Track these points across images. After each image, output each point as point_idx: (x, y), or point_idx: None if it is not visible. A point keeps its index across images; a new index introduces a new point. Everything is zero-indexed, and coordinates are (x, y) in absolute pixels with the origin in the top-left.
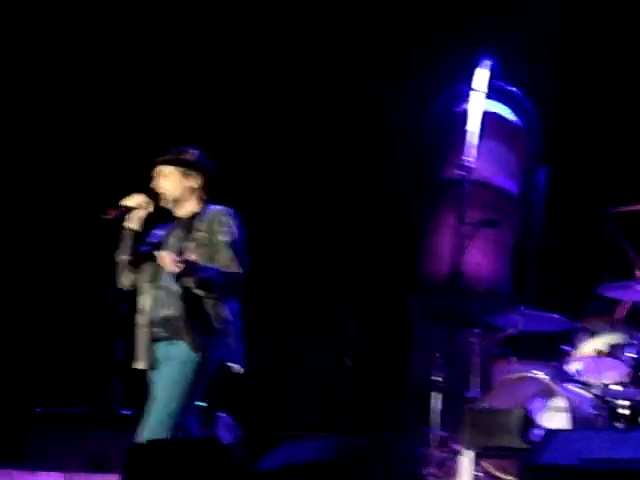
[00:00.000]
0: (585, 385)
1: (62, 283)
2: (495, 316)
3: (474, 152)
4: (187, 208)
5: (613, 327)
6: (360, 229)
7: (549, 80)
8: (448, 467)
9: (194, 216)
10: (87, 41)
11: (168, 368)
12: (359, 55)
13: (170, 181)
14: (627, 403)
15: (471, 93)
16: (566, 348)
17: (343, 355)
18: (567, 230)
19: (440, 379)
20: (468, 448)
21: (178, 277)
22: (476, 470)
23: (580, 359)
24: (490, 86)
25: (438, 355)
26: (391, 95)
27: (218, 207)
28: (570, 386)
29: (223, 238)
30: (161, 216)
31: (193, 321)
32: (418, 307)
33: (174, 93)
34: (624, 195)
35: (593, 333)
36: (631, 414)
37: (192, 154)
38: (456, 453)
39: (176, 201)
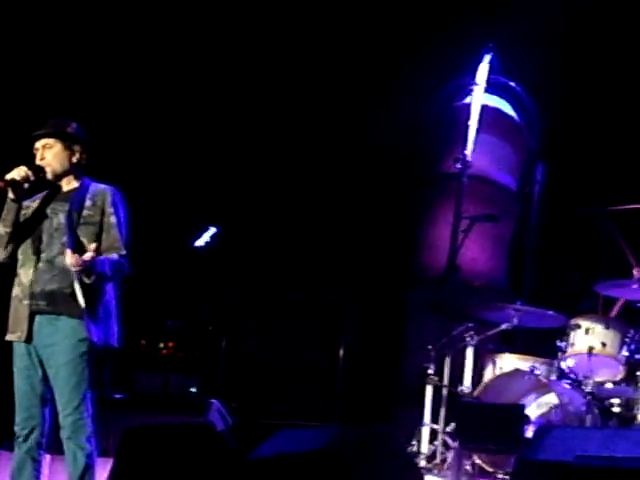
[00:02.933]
0: (578, 382)
1: None
2: (490, 311)
3: (473, 146)
4: (68, 182)
5: (607, 325)
6: (359, 221)
7: (548, 76)
8: (439, 460)
9: (74, 191)
10: None
11: (64, 348)
12: (362, 48)
13: (53, 154)
14: (619, 401)
15: (474, 87)
16: (560, 345)
17: (339, 345)
18: (564, 227)
19: (433, 372)
20: (460, 442)
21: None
22: (467, 464)
23: (574, 356)
24: (490, 81)
25: (432, 348)
26: (392, 89)
27: (102, 185)
28: (563, 383)
29: (113, 219)
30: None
31: (83, 299)
32: (414, 300)
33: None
34: (621, 193)
35: (587, 330)
36: (623, 412)
37: (72, 127)
38: (448, 447)
39: (59, 174)
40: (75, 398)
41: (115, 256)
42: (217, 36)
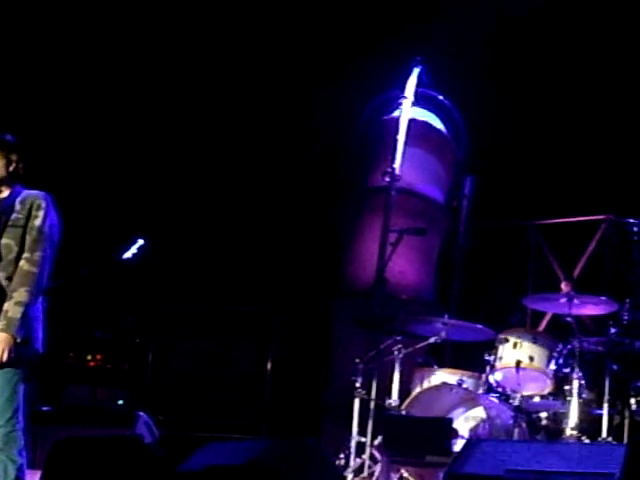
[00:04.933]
0: (506, 396)
1: None
2: (418, 324)
3: (401, 160)
4: (2, 191)
5: (535, 339)
6: (287, 233)
7: (477, 89)
8: (367, 474)
9: (5, 198)
10: None
11: None
12: (290, 60)
13: None
14: (547, 414)
15: (403, 101)
16: (488, 358)
17: (266, 358)
18: (492, 240)
19: (361, 385)
20: (387, 455)
21: None
22: (395, 478)
23: (502, 370)
24: (419, 94)
25: (359, 361)
26: (319, 102)
27: (34, 191)
28: (491, 396)
29: (37, 222)
30: None
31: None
32: (341, 313)
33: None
34: (549, 207)
35: (515, 344)
36: (551, 425)
37: (9, 137)
38: (375, 460)
39: None
40: (8, 410)
41: (22, 273)
42: (139, 38)
